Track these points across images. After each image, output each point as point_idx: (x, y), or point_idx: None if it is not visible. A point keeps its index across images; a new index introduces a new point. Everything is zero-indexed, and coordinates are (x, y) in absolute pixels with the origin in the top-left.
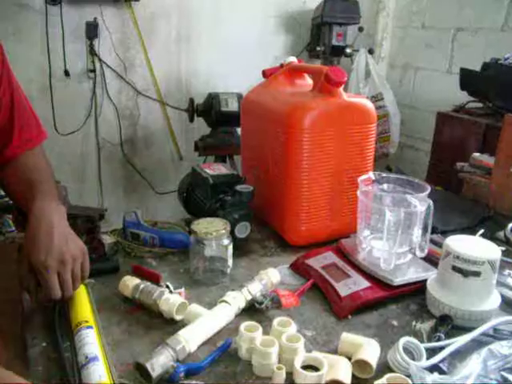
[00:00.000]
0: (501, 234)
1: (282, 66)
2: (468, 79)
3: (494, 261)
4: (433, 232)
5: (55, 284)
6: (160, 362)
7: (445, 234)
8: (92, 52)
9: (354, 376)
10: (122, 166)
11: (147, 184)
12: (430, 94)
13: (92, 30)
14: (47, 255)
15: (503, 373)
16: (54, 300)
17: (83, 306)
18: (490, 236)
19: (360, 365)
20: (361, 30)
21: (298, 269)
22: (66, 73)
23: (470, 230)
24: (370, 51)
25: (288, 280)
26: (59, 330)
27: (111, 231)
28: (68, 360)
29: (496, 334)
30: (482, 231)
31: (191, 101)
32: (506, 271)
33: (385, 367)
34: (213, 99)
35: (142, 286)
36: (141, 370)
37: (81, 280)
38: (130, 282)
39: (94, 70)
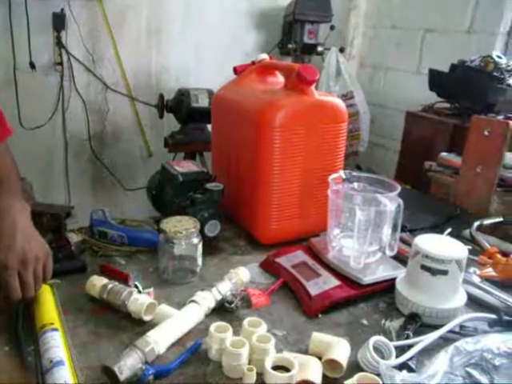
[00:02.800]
0: (466, 232)
1: (253, 62)
2: (436, 80)
3: (461, 260)
4: (402, 230)
5: (15, 285)
6: (128, 365)
7: (413, 232)
8: (59, 44)
9: (324, 376)
10: (90, 161)
11: (116, 180)
12: (400, 93)
13: (59, 22)
14: (8, 254)
15: (467, 368)
16: (13, 302)
17: (48, 307)
18: (456, 234)
19: (330, 364)
20: (332, 28)
21: (269, 267)
22: (32, 65)
23: (438, 229)
24: (341, 50)
25: (258, 279)
26: (22, 333)
27: (78, 229)
28: (32, 365)
29: (462, 331)
30: (449, 230)
31: (161, 96)
32: (472, 269)
33: (355, 366)
34: (183, 95)
35: (109, 285)
36: (108, 373)
37: (43, 281)
38: (98, 282)
39: (61, 63)
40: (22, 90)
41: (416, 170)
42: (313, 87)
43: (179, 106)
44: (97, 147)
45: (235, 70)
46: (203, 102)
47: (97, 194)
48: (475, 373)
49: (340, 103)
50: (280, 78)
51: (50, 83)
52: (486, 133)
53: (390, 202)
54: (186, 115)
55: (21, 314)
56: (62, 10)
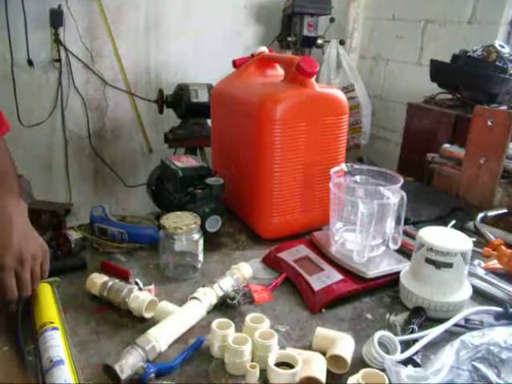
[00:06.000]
0: (470, 224)
1: (252, 55)
2: (438, 71)
3: (465, 252)
4: (405, 223)
5: (11, 284)
6: (129, 363)
7: (416, 224)
8: (57, 41)
9: (328, 372)
10: (90, 159)
11: (117, 177)
12: (401, 85)
13: (56, 18)
14: (4, 253)
15: (474, 363)
16: (10, 301)
17: (48, 306)
18: (460, 226)
19: (335, 360)
20: (332, 20)
21: (271, 262)
22: (30, 62)
23: (441, 221)
24: (341, 42)
25: (260, 274)
26: (22, 333)
27: (78, 226)
28: (32, 364)
29: (467, 325)
30: (453, 222)
31: (160, 92)
32: (476, 261)
33: (360, 361)
34: (182, 90)
35: (110, 283)
36: (109, 372)
37: (40, 279)
38: (98, 280)
39: (59, 60)
40: (20, 87)
41: (418, 162)
42: (313, 79)
43: (179, 101)
44: (97, 144)
45: (234, 64)
46: (203, 96)
47: (98, 192)
48: (482, 367)
49: (341, 95)
50: (280, 71)
51: (49, 80)
52: (489, 123)
53: (393, 195)
54: (186, 110)
55: (20, 312)
56: (60, 6)
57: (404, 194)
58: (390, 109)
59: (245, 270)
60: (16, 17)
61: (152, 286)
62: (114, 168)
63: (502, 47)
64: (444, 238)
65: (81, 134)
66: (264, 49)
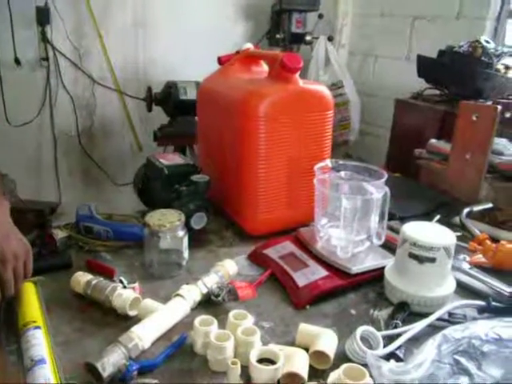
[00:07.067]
0: (457, 219)
1: (238, 52)
2: (424, 66)
3: (449, 247)
4: (392, 218)
5: None
6: (111, 361)
7: (403, 220)
8: (44, 39)
9: (311, 367)
10: (79, 157)
11: (106, 176)
12: (390, 81)
13: (43, 16)
14: None
15: (455, 356)
16: None
17: (31, 305)
18: (446, 221)
19: (318, 356)
20: (320, 17)
21: (256, 259)
22: (17, 61)
23: (428, 216)
24: (330, 38)
25: (246, 271)
26: (4, 332)
27: (64, 225)
28: (13, 364)
29: (450, 319)
30: (438, 217)
31: (149, 89)
32: (461, 256)
33: (343, 357)
34: (171, 88)
35: (94, 281)
36: (91, 370)
37: (23, 279)
38: (82, 278)
39: (47, 58)
40: (8, 86)
41: (406, 157)
42: (297, 75)
43: (167, 98)
44: (86, 143)
45: (219, 60)
46: (191, 94)
47: (87, 191)
48: (463, 360)
49: (325, 91)
50: (265, 68)
51: (37, 79)
52: (474, 118)
53: (377, 190)
54: (174, 108)
55: (2, 312)
56: (46, 3)
57: (387, 189)
58: (379, 105)
59: (229, 266)
60: (1, 15)
61: (136, 284)
62: (104, 166)
63: (488, 42)
64: (427, 232)
65: (70, 132)
66: (249, 45)
